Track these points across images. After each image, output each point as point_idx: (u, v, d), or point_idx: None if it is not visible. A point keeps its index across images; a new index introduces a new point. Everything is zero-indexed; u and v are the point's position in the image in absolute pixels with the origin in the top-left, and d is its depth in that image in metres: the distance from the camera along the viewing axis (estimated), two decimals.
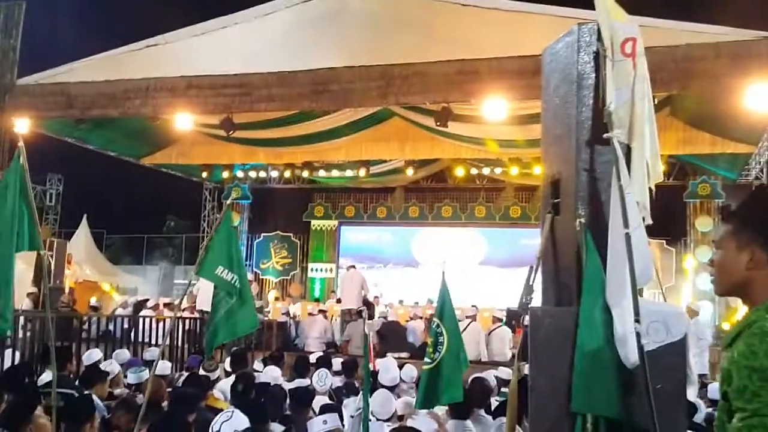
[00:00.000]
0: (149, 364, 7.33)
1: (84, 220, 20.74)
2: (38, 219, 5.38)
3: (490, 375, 7.17)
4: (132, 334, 12.08)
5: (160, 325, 12.09)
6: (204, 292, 12.04)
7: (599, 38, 3.00)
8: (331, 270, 20.59)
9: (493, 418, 5.75)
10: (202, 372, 6.67)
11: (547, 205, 3.24)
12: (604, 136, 2.88)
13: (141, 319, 12.28)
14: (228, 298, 5.34)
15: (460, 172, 17.29)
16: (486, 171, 17.33)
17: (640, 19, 8.16)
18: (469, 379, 6.29)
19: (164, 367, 7.29)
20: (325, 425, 5.07)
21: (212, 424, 4.62)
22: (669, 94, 10.20)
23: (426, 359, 5.17)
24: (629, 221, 2.70)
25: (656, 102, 10.16)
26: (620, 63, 2.93)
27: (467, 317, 12.16)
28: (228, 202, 6.87)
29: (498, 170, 16.93)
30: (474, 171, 17.53)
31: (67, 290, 15.73)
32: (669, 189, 15.59)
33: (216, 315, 5.31)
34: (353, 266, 15.99)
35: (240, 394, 5.87)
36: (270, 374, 6.95)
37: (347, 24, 10.78)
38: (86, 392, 5.99)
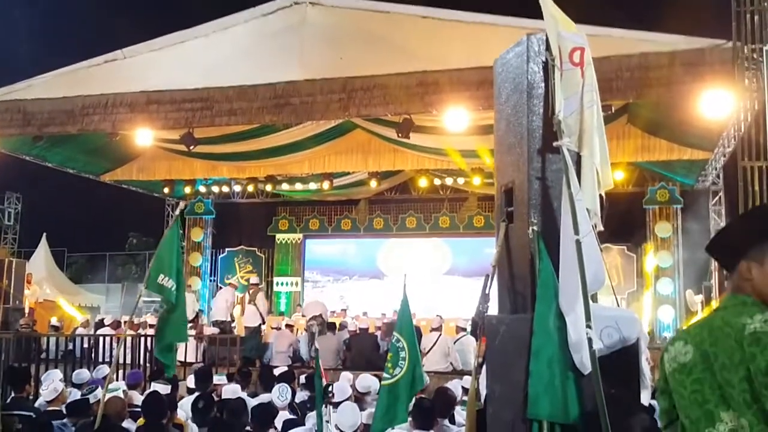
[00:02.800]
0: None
1: (44, 239, 20.37)
2: None
3: (454, 384, 7.16)
4: (93, 354, 11.85)
5: (121, 343, 11.86)
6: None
7: (548, 48, 3.03)
8: (296, 284, 20.46)
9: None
10: (159, 387, 6.52)
11: (501, 213, 3.25)
12: (554, 144, 2.91)
13: (102, 338, 12.06)
14: (165, 305, 5.36)
15: (423, 182, 17.31)
16: (449, 181, 17.36)
17: (595, 29, 8.32)
18: (434, 390, 6.27)
19: (118, 385, 7.07)
20: None
21: None
22: (626, 102, 10.35)
23: (385, 374, 5.00)
24: (580, 228, 2.72)
25: (614, 110, 10.31)
26: (568, 72, 2.96)
27: (433, 329, 12.10)
28: (177, 212, 6.80)
29: (461, 180, 16.96)
30: (437, 181, 17.55)
31: (27, 311, 15.42)
32: (629, 196, 15.79)
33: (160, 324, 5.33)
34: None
35: (201, 412, 5.78)
36: (231, 390, 6.85)
37: (307, 37, 10.78)
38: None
